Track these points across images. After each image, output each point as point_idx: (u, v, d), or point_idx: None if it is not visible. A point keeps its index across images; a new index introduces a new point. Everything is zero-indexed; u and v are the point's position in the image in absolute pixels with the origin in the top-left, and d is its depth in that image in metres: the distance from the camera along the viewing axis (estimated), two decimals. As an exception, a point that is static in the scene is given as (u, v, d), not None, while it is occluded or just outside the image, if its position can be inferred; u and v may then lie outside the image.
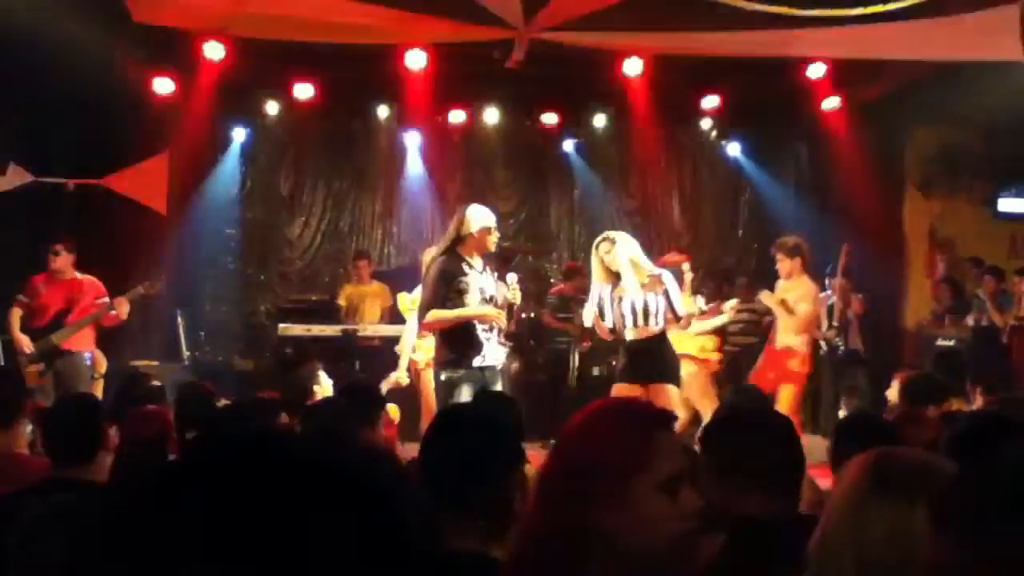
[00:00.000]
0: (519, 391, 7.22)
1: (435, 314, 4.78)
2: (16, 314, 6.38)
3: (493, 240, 4.94)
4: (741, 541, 1.98)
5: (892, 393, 4.83)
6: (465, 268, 4.82)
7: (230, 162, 9.42)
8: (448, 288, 4.75)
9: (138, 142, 8.26)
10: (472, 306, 4.78)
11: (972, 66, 7.10)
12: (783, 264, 6.46)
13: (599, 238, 5.59)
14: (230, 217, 9.54)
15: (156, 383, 4.57)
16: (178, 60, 8.05)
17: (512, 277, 5.14)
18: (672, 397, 5.38)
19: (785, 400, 6.26)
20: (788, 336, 6.46)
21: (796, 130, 9.78)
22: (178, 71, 8.17)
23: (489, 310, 4.80)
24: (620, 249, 5.41)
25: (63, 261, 6.51)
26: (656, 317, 5.43)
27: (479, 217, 4.90)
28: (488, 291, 4.89)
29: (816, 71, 8.22)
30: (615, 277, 5.44)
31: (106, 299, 6.50)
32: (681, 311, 5.53)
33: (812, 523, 1.51)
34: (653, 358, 5.48)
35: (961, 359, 7.63)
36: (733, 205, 10.32)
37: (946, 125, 9.36)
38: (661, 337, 5.52)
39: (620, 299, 5.46)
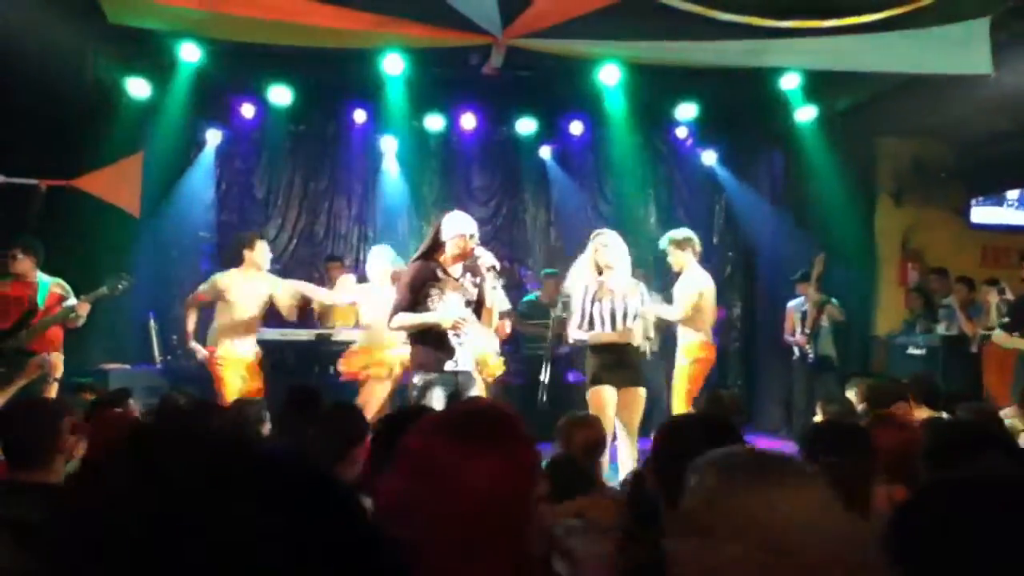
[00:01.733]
0: (494, 395, 7.20)
1: (400, 318, 4.77)
2: None
3: (470, 247, 4.85)
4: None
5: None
6: (439, 274, 4.80)
7: (205, 164, 9.36)
8: (419, 292, 4.73)
9: (112, 143, 8.17)
10: (443, 312, 4.75)
11: (944, 78, 7.17)
12: (675, 257, 6.52)
13: (596, 232, 5.73)
14: (204, 220, 9.47)
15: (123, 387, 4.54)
16: (153, 62, 8.00)
17: (480, 251, 4.90)
18: (642, 401, 5.58)
19: (681, 390, 6.39)
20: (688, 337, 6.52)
21: (771, 139, 9.82)
22: (153, 73, 8.11)
23: (448, 316, 4.73)
24: (618, 246, 5.58)
25: (23, 264, 6.43)
26: (634, 321, 5.54)
27: (453, 225, 4.86)
28: (465, 298, 4.86)
29: (790, 81, 8.29)
30: (600, 274, 5.54)
31: (72, 301, 6.41)
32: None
33: None
34: (633, 362, 5.60)
35: (933, 367, 7.72)
36: (708, 212, 10.37)
37: (919, 136, 9.45)
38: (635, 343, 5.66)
39: (601, 299, 5.54)
